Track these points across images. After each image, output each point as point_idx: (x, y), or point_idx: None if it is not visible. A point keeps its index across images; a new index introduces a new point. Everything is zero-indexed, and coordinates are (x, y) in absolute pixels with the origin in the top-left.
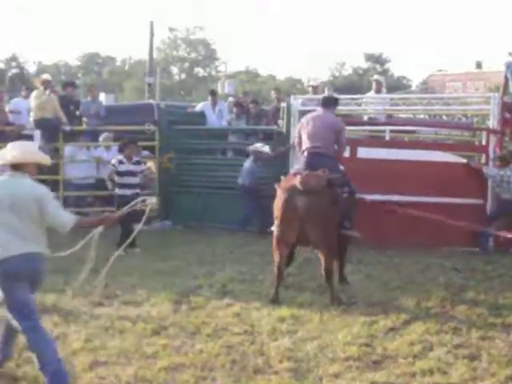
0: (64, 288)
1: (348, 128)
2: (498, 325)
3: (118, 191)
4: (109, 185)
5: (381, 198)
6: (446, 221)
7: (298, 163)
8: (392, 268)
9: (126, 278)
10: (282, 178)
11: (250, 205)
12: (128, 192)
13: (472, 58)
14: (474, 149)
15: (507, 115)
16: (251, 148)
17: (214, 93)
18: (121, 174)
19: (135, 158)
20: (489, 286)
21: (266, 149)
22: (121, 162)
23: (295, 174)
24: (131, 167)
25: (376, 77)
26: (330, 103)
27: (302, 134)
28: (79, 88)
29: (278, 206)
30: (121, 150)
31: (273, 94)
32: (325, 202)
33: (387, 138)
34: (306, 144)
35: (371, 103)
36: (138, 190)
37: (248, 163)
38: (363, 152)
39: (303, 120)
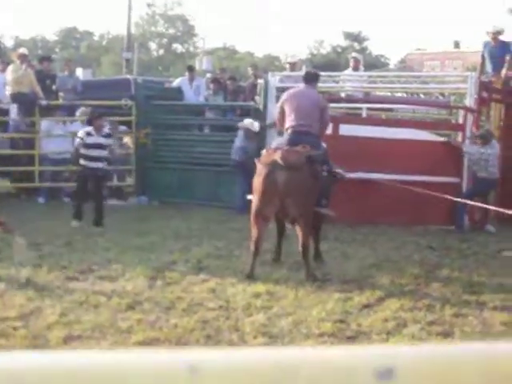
0: (38, 262)
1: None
2: (472, 302)
3: (82, 162)
4: (72, 157)
5: (362, 175)
6: (431, 194)
7: (274, 140)
8: (367, 246)
9: (102, 252)
10: (263, 152)
11: (243, 182)
12: (93, 165)
13: (450, 37)
14: (451, 127)
15: (484, 94)
16: (240, 124)
17: (191, 68)
18: (88, 146)
19: (106, 131)
20: (463, 264)
21: (256, 126)
22: (89, 134)
23: (276, 150)
24: (101, 140)
25: (354, 54)
26: (312, 79)
27: (285, 110)
28: (56, 62)
29: (257, 180)
30: (89, 123)
31: (249, 71)
32: (305, 177)
33: (364, 115)
34: (290, 121)
35: (349, 81)
36: (103, 164)
37: (238, 140)
38: (342, 129)
39: (285, 96)
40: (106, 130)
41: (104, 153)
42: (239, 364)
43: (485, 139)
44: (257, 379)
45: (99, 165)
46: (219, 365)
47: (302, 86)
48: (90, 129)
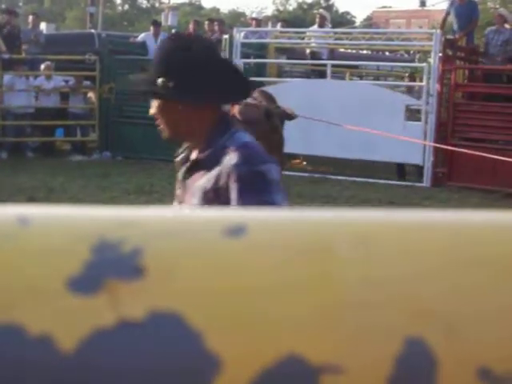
0: None
1: (291, 62)
2: None
3: None
4: None
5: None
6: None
7: None
8: (330, 202)
9: None
10: None
11: None
12: None
13: None
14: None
15: (449, 52)
16: None
17: (156, 23)
18: None
19: None
20: None
21: None
22: None
23: (232, 105)
24: None
25: (320, 11)
26: None
27: None
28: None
29: None
30: None
31: (206, 26)
32: (264, 131)
33: (329, 72)
34: None
35: (314, 37)
36: None
37: None
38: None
39: None
40: None
41: None
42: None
43: None
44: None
45: None
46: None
47: None
48: None
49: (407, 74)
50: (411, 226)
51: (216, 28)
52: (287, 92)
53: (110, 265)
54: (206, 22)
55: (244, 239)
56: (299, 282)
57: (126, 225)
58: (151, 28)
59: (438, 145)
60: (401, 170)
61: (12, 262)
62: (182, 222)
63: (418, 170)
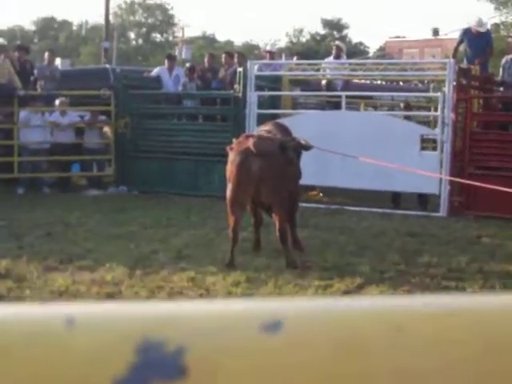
0: (18, 253)
1: (306, 93)
2: (452, 288)
3: None
4: None
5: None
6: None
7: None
8: (347, 233)
9: (81, 243)
10: (234, 140)
11: None
12: None
13: (428, 24)
14: None
15: (463, 81)
16: None
17: (170, 57)
18: None
19: None
20: (443, 251)
21: None
22: None
23: (247, 137)
24: None
25: (337, 42)
26: None
27: None
28: (35, 53)
29: (231, 168)
30: None
31: (223, 59)
32: (278, 164)
33: (343, 103)
34: None
35: (328, 68)
36: None
37: None
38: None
39: None
40: None
41: None
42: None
43: None
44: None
45: None
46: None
47: None
48: None
49: (402, 105)
50: (442, 313)
51: (235, 60)
52: (302, 124)
53: (153, 366)
54: (223, 55)
55: (281, 335)
56: (336, 379)
57: (169, 324)
58: (166, 62)
59: (454, 178)
60: (421, 200)
61: (59, 362)
62: (221, 318)
63: (435, 199)
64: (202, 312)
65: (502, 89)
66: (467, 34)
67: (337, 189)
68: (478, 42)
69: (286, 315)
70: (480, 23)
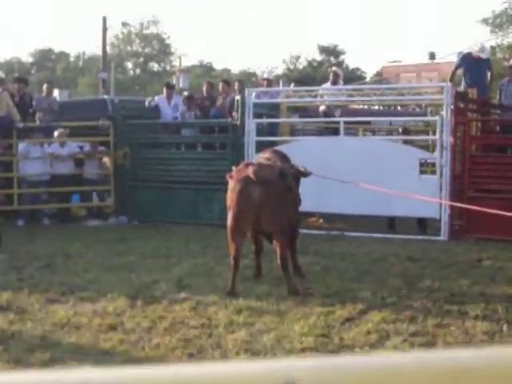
0: (19, 285)
1: (304, 120)
2: (454, 312)
3: None
4: None
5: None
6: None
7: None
8: (348, 259)
9: (82, 274)
10: (233, 168)
11: None
12: None
13: (425, 48)
14: None
15: (460, 105)
16: None
17: (169, 86)
18: None
19: None
20: (444, 275)
21: None
22: None
23: (247, 165)
24: None
25: (334, 68)
26: None
27: None
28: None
29: (231, 196)
30: None
31: (220, 87)
32: (278, 192)
33: (341, 129)
34: None
35: (326, 95)
36: None
37: None
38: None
39: None
40: None
41: None
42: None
43: None
44: None
45: None
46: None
47: None
48: None
49: (401, 130)
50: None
51: (236, 87)
52: (300, 150)
53: None
54: (221, 84)
55: None
56: None
57: None
58: (164, 90)
59: (453, 203)
60: (421, 224)
61: None
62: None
63: (435, 223)
64: (217, 376)
65: (499, 111)
66: (467, 58)
67: (336, 214)
68: (477, 66)
69: (301, 376)
70: (483, 49)
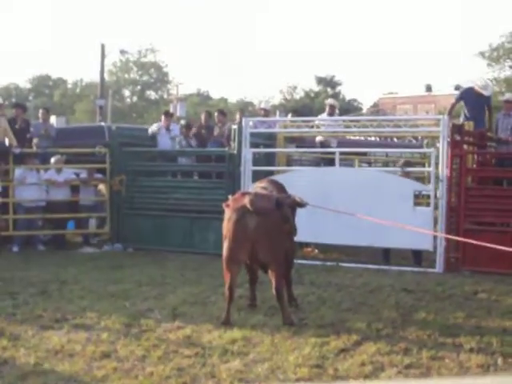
0: (13, 311)
1: (300, 150)
2: (449, 344)
3: None
4: None
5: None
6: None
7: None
8: (343, 290)
9: (77, 301)
10: (230, 197)
11: None
12: None
13: (421, 81)
14: None
15: (457, 137)
16: None
17: (167, 113)
18: None
19: None
20: (439, 307)
21: None
22: None
23: (243, 194)
24: None
25: (331, 101)
26: None
27: None
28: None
29: (227, 226)
30: None
31: (216, 117)
32: (274, 222)
33: (337, 160)
34: None
35: (323, 125)
36: None
37: None
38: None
39: None
40: None
41: None
42: None
43: None
44: None
45: None
46: None
47: None
48: None
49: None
50: None
51: (237, 116)
52: (297, 180)
53: None
54: (216, 114)
55: None
56: None
57: None
58: (163, 118)
59: (448, 236)
60: (416, 256)
61: None
62: None
63: (431, 255)
64: None
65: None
66: (468, 92)
67: (332, 245)
68: (477, 101)
69: None
70: (486, 87)
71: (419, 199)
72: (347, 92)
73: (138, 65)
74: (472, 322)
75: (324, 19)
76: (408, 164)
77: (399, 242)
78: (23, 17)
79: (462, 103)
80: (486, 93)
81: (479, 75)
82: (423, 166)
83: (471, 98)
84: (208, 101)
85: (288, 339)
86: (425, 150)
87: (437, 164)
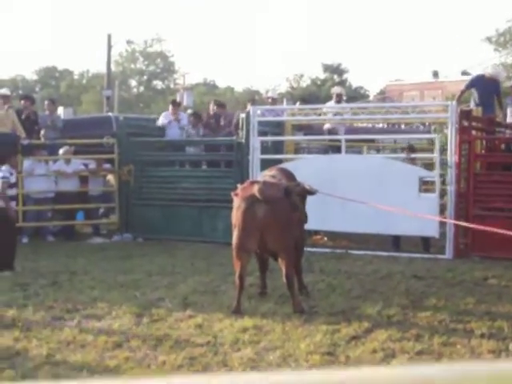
0: (24, 303)
1: (308, 138)
2: (460, 330)
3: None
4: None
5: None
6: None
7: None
8: (353, 277)
9: (88, 291)
10: (239, 186)
11: None
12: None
13: (428, 67)
14: None
15: (465, 123)
16: None
17: (175, 103)
18: (12, 185)
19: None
20: (450, 293)
21: None
22: (11, 174)
23: (252, 183)
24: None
25: (338, 90)
26: None
27: None
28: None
29: (237, 215)
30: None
31: (211, 107)
32: (283, 210)
33: (343, 147)
34: None
35: (330, 113)
36: None
37: None
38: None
39: None
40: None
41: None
42: None
43: None
44: None
45: None
46: None
47: None
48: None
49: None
50: None
51: (249, 106)
52: (305, 168)
53: None
54: (214, 106)
55: None
56: None
57: None
58: (170, 107)
59: (458, 222)
60: (425, 243)
61: None
62: None
63: (440, 241)
64: None
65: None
66: (479, 80)
67: (342, 232)
68: (486, 88)
69: None
70: (498, 74)
71: (427, 185)
72: (354, 79)
73: (144, 55)
74: (482, 308)
75: (331, 6)
76: (412, 149)
77: (405, 229)
78: (30, 9)
79: (471, 90)
80: (500, 78)
81: (487, 61)
82: (431, 152)
83: (481, 85)
84: (215, 90)
85: (299, 327)
86: (429, 135)
87: (445, 150)
